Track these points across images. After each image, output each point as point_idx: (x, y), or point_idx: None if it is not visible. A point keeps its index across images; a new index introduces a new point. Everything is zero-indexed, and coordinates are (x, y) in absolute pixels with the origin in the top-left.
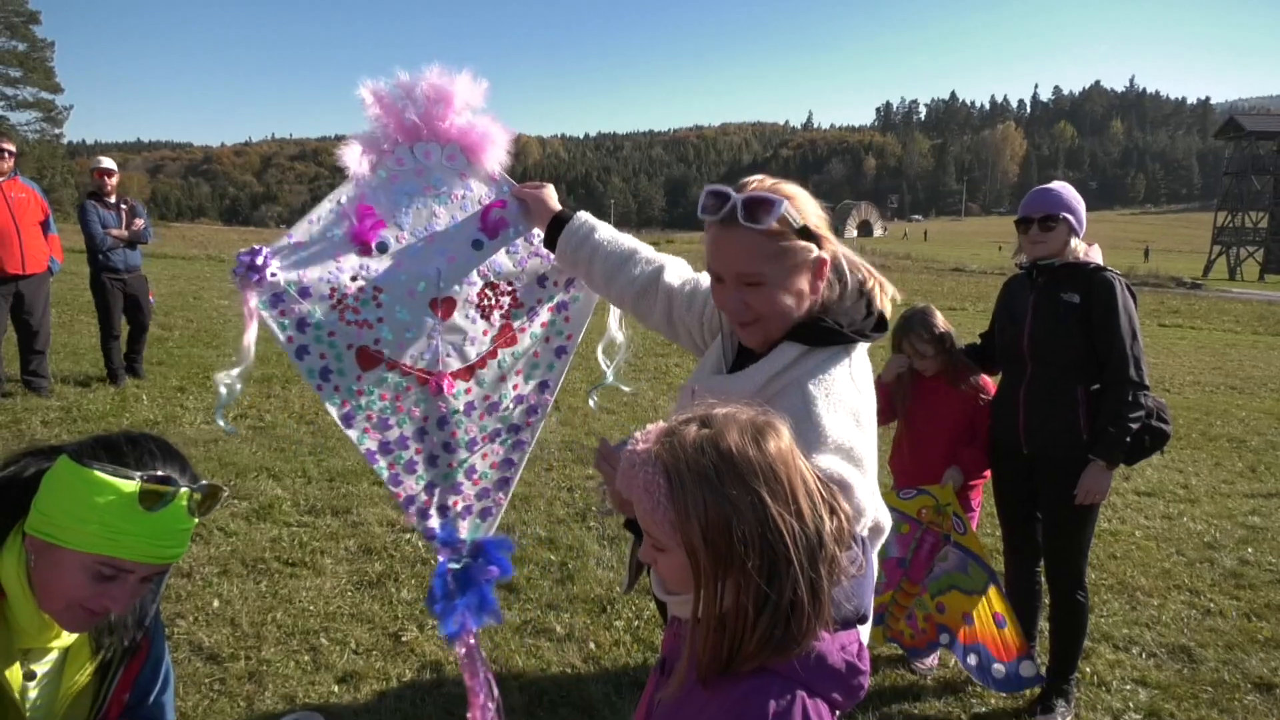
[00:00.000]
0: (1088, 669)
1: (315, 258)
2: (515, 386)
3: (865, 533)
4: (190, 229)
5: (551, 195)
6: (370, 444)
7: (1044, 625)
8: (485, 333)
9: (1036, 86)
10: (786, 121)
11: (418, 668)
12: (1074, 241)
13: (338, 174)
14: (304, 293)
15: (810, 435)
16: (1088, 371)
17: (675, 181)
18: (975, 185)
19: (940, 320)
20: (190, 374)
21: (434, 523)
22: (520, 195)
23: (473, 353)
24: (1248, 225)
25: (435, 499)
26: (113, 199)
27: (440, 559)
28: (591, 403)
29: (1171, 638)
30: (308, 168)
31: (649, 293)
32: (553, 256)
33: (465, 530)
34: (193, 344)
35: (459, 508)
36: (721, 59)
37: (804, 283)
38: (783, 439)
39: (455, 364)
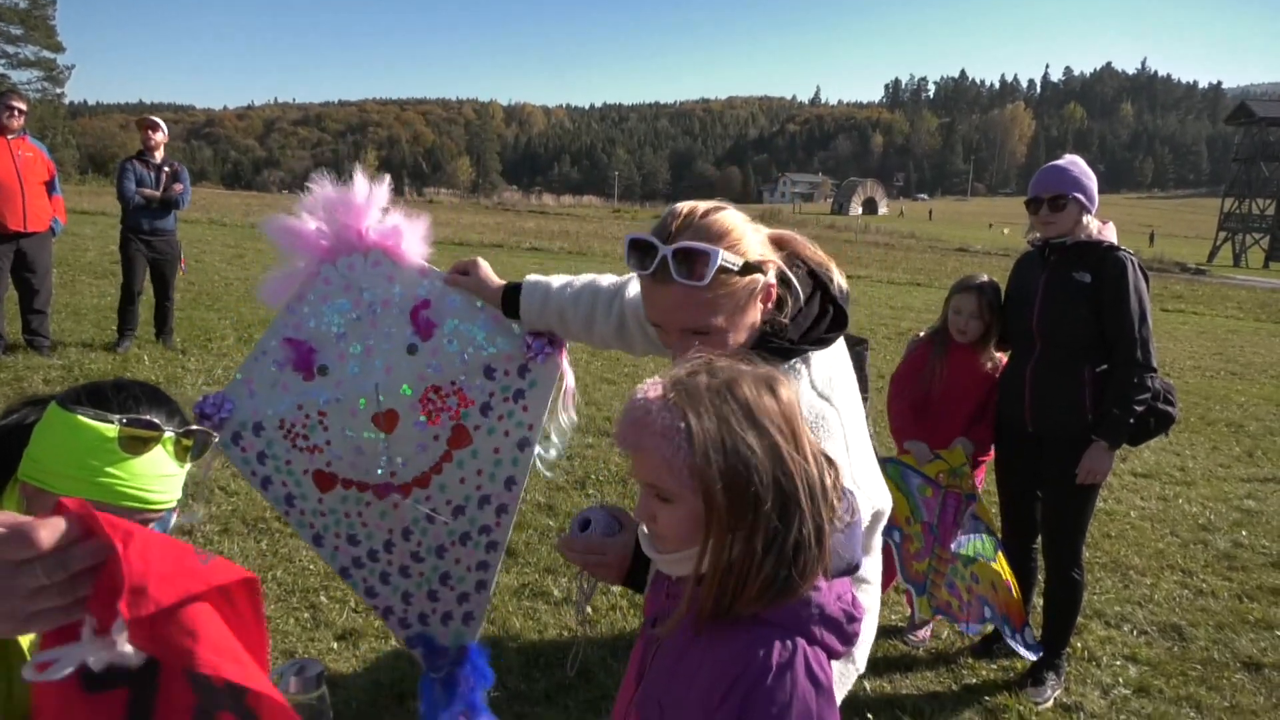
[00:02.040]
0: (1079, 644)
1: (265, 392)
2: (479, 487)
3: (869, 518)
4: (192, 192)
5: (487, 271)
6: (344, 560)
7: (1037, 601)
8: (436, 438)
9: (1047, 67)
10: (794, 96)
11: None
12: (1086, 219)
13: (340, 140)
14: (257, 428)
15: None
16: (1096, 352)
17: (681, 155)
18: (982, 165)
19: (992, 282)
20: (191, 336)
21: (414, 632)
22: (455, 284)
23: (425, 461)
24: (1255, 212)
25: (413, 608)
26: (157, 159)
27: (425, 671)
28: (546, 474)
29: (1163, 616)
30: (310, 133)
31: (625, 325)
32: (493, 348)
33: (448, 638)
34: (194, 306)
35: (438, 615)
36: (729, 31)
37: (753, 315)
38: (790, 390)
39: (409, 474)
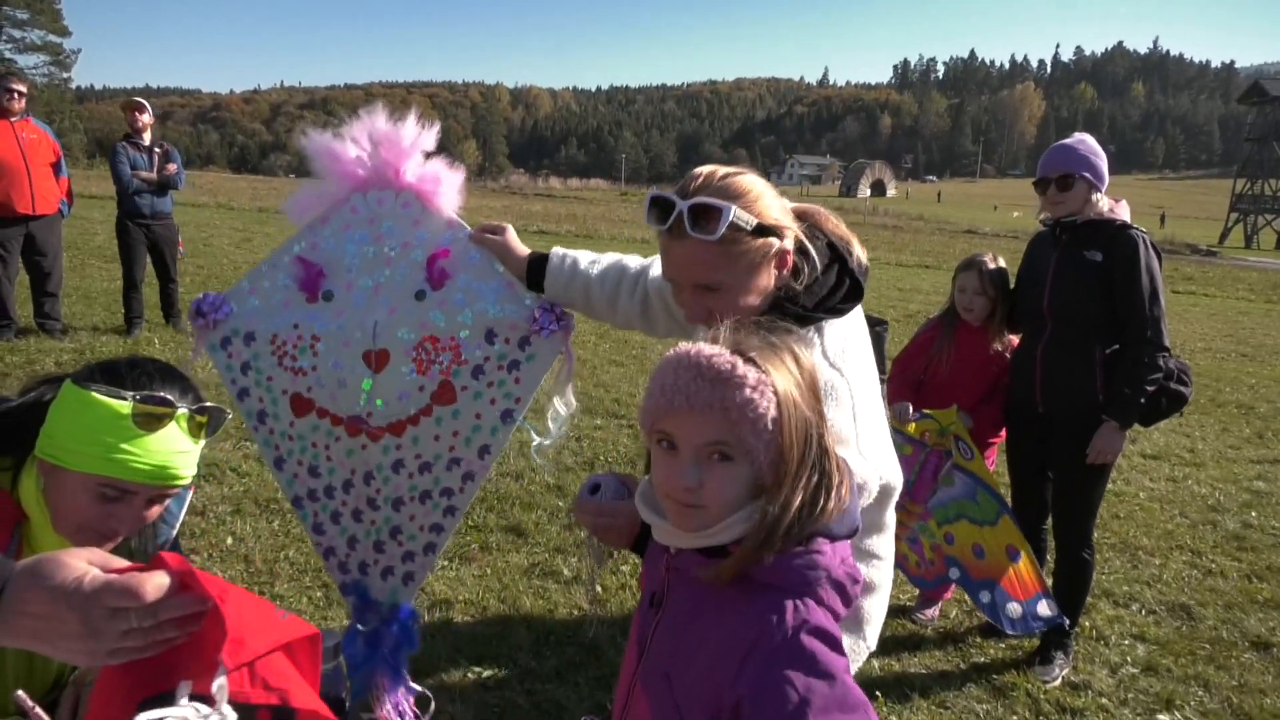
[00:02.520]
0: (1087, 624)
1: (264, 305)
2: (451, 448)
3: (875, 492)
4: (199, 176)
5: (514, 238)
6: (299, 489)
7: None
8: (421, 389)
9: (1058, 46)
10: (801, 77)
11: (427, 605)
12: (1095, 197)
13: (347, 123)
14: (249, 338)
15: None
16: (1107, 332)
17: (688, 137)
18: (991, 146)
19: (995, 260)
20: None
21: (351, 579)
22: (481, 242)
23: (404, 409)
24: (1267, 193)
25: (356, 554)
26: (146, 140)
27: (352, 622)
28: (537, 460)
29: (1171, 596)
30: (316, 116)
31: (649, 304)
32: (500, 312)
33: (384, 593)
34: (203, 289)
35: (379, 567)
36: (736, 12)
37: (766, 279)
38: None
39: (384, 419)
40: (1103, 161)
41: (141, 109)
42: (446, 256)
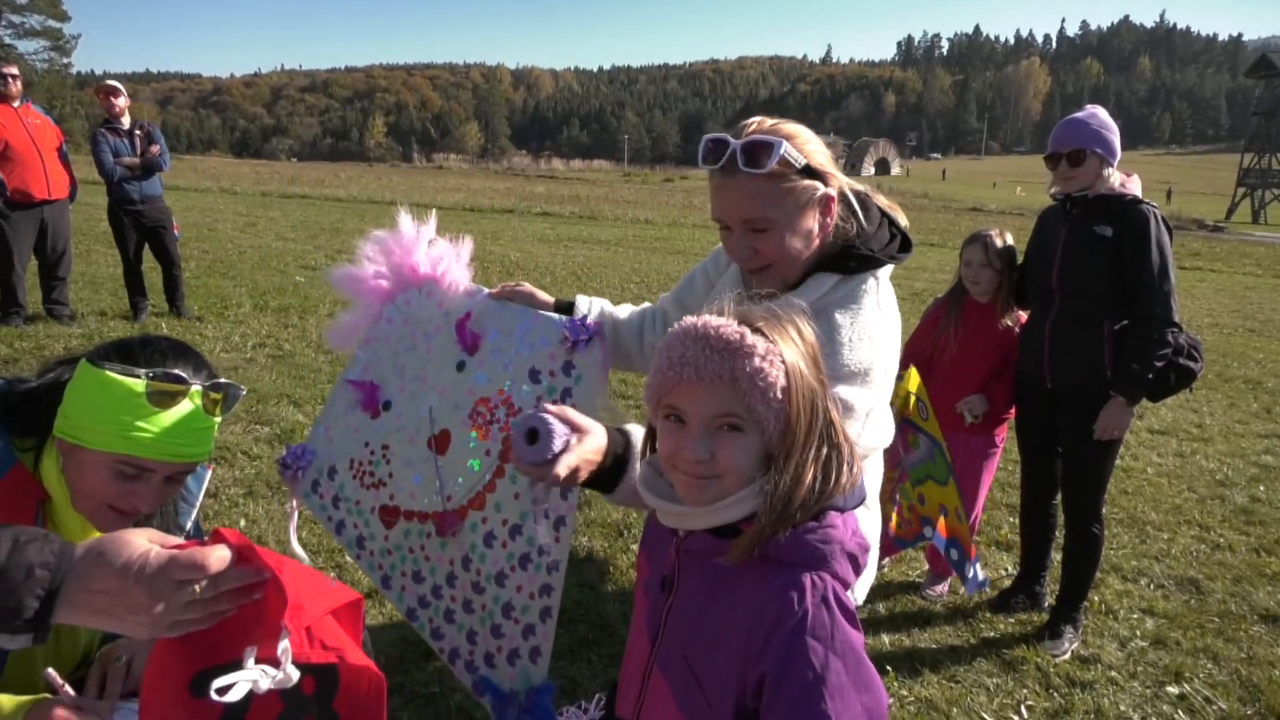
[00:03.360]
0: (1095, 598)
1: (339, 437)
2: (535, 501)
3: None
4: (201, 161)
5: (533, 289)
6: (410, 602)
7: (1056, 556)
8: (488, 453)
9: (1063, 21)
10: (804, 55)
11: None
12: (1107, 172)
13: (348, 106)
14: (332, 472)
15: (831, 361)
16: (1116, 307)
17: (690, 117)
18: (996, 123)
19: (1003, 236)
20: (208, 304)
21: (480, 676)
22: (504, 296)
23: (479, 478)
24: (1274, 167)
25: (479, 648)
26: (125, 124)
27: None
28: None
29: (1180, 570)
30: (318, 99)
31: (669, 320)
32: (534, 349)
33: (516, 679)
34: (209, 275)
35: (504, 654)
36: None
37: (812, 222)
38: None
39: (464, 496)
40: (1115, 136)
41: (116, 92)
42: (471, 317)
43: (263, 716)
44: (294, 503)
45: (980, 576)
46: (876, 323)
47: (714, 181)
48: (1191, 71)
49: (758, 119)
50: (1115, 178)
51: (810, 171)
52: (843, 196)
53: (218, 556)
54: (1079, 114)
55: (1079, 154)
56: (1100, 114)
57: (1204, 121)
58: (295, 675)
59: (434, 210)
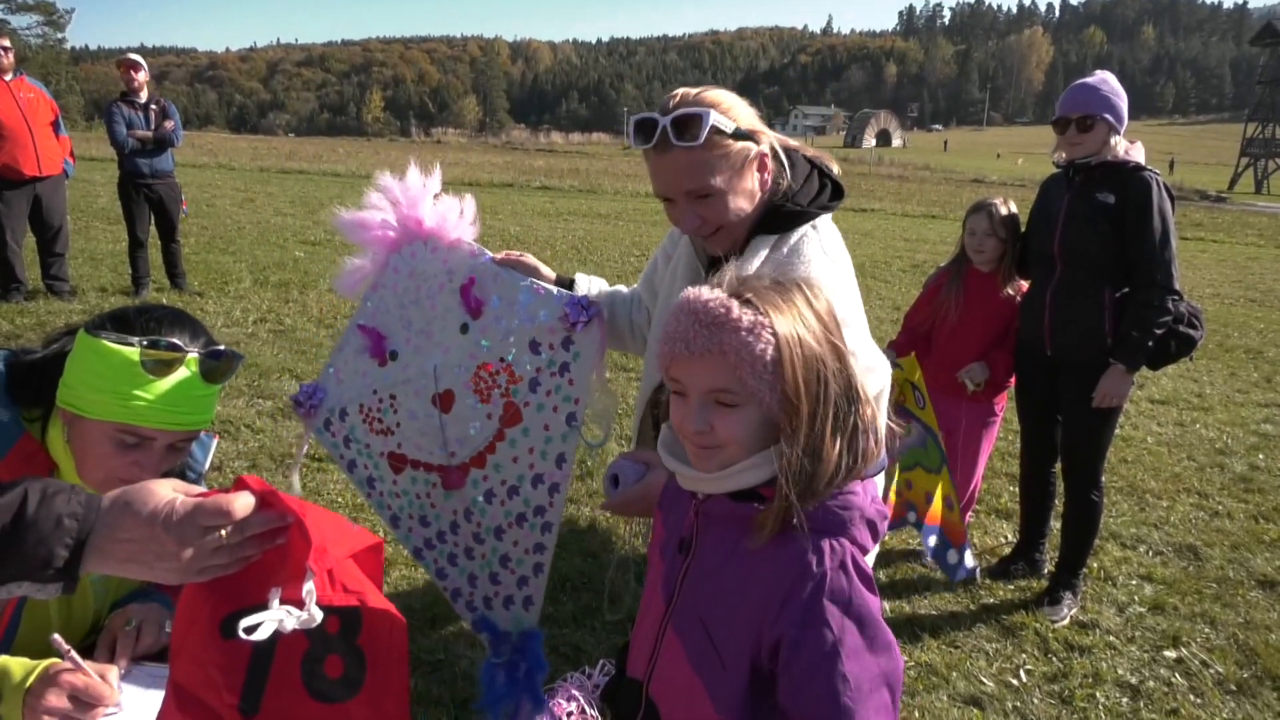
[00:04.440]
0: (1095, 565)
1: (348, 380)
2: (531, 466)
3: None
4: (199, 137)
5: (537, 262)
6: (417, 541)
7: (1055, 524)
8: (489, 416)
9: None
10: (805, 26)
11: None
12: (1113, 140)
13: (345, 81)
14: (343, 414)
15: None
16: (1117, 275)
17: None
18: (999, 94)
19: (1007, 204)
20: (209, 279)
21: (479, 616)
22: (507, 264)
23: (479, 440)
24: (1278, 137)
25: (478, 590)
26: (142, 99)
27: (489, 654)
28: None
29: (1179, 537)
30: (314, 74)
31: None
32: (536, 321)
33: (510, 622)
34: (209, 250)
35: (500, 598)
36: None
37: (751, 181)
38: (825, 294)
39: (466, 454)
40: (1124, 103)
41: (137, 67)
42: (475, 283)
43: (290, 655)
44: (306, 439)
45: (969, 564)
46: (827, 269)
47: (650, 160)
48: (1196, 40)
49: (681, 91)
50: (1120, 146)
51: (741, 134)
52: (774, 153)
53: (242, 503)
54: (1089, 79)
55: (1088, 119)
56: (1111, 80)
57: (1208, 90)
58: (319, 615)
59: (439, 165)
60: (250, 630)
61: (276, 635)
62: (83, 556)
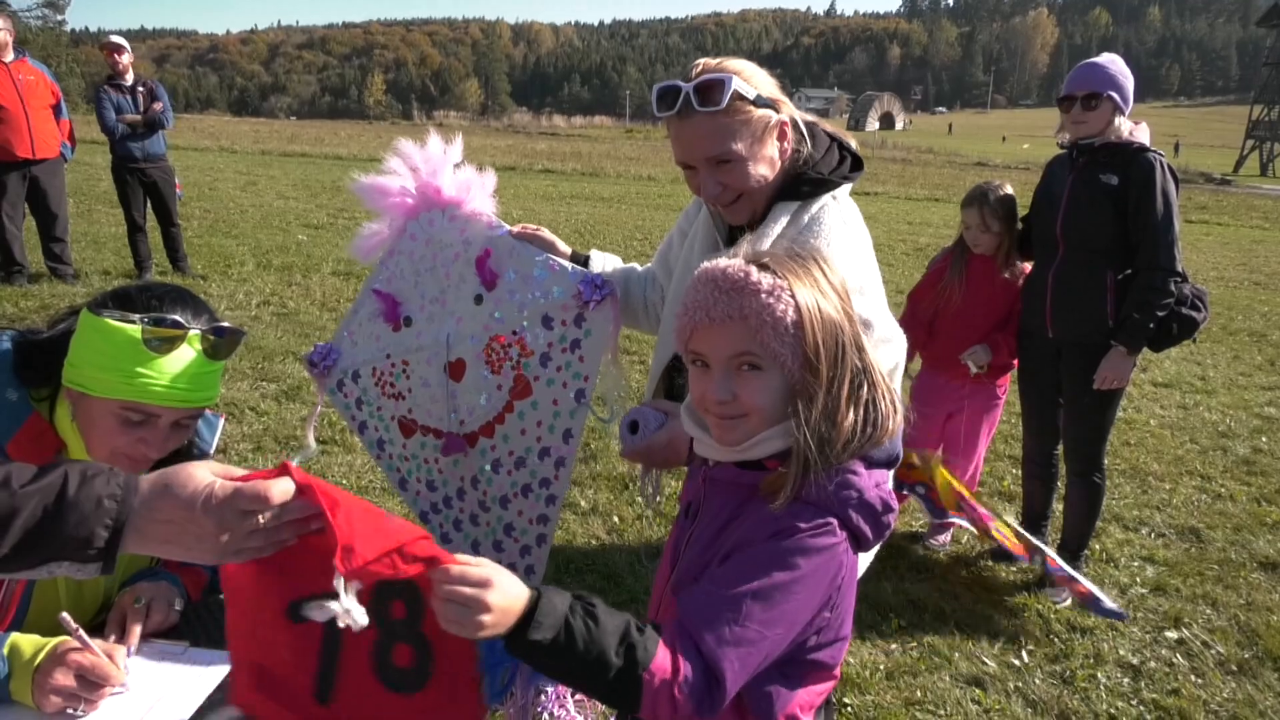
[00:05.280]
0: (1097, 547)
1: (362, 343)
2: (539, 439)
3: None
4: (200, 120)
5: (553, 237)
6: (424, 505)
7: (1057, 506)
8: (499, 387)
9: None
10: (808, 8)
11: None
12: (1118, 120)
13: (346, 64)
14: (355, 376)
15: None
16: (1120, 256)
17: None
18: (1003, 76)
19: (1000, 189)
20: (211, 262)
21: None
22: (522, 237)
23: (489, 410)
24: None
25: (481, 558)
26: (129, 81)
27: None
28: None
29: (1181, 520)
30: (315, 57)
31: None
32: (550, 297)
33: None
34: (211, 233)
35: (503, 566)
36: None
37: (771, 149)
38: (838, 268)
39: (475, 424)
40: (1130, 83)
41: (120, 49)
42: (491, 255)
43: (358, 644)
44: (320, 399)
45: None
46: (845, 238)
47: (673, 127)
48: (1202, 21)
49: (703, 60)
50: (1124, 126)
51: (762, 101)
52: (794, 123)
53: (281, 490)
54: (1097, 59)
55: (1094, 97)
56: (1118, 61)
57: (1213, 72)
58: (362, 619)
59: (459, 132)
60: (309, 614)
61: (342, 625)
62: (122, 537)
